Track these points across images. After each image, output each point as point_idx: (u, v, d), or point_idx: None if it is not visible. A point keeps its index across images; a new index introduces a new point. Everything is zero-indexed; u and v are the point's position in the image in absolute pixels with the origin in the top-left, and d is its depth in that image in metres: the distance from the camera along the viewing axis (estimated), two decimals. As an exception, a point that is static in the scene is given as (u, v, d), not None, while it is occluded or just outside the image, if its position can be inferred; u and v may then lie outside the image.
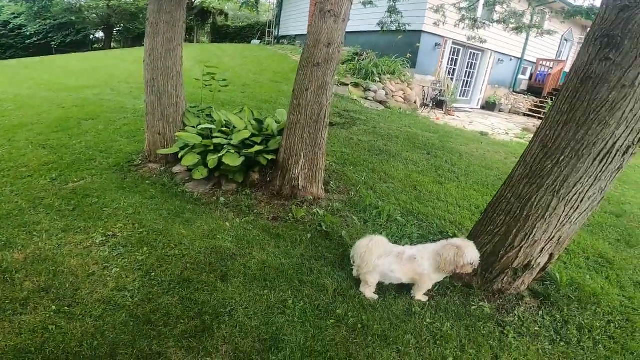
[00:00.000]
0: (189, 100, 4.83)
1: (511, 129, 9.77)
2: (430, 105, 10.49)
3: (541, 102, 13.41)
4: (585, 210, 2.35)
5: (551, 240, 2.45)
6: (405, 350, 2.10)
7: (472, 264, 2.37)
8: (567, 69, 12.98)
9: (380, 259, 2.39)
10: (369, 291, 2.48)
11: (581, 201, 2.29)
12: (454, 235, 3.29)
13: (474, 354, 2.14)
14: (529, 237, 2.44)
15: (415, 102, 10.45)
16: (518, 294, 2.68)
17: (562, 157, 2.23)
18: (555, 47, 15.21)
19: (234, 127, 3.86)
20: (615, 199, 5.03)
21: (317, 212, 3.34)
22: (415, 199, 4.03)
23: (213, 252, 2.74)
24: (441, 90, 11.19)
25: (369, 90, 9.38)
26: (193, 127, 3.90)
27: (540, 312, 2.56)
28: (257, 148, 3.42)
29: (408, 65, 10.93)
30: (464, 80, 13.30)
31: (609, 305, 2.72)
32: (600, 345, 2.34)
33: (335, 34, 3.21)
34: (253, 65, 11.36)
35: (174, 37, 3.73)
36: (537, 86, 14.24)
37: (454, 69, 12.67)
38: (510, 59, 13.82)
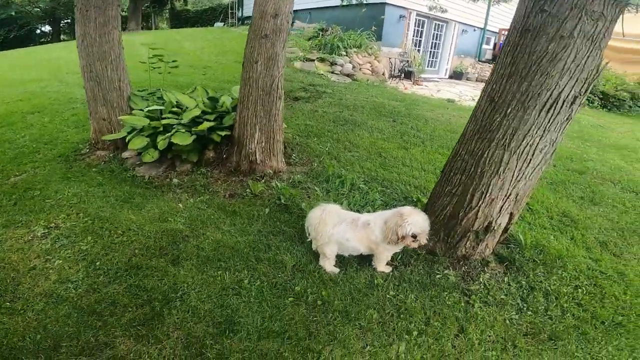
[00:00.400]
0: (143, 85, 4.57)
1: (477, 96, 9.79)
2: (399, 76, 10.43)
3: (506, 68, 13.56)
4: (538, 164, 2.32)
5: (508, 197, 2.40)
6: (368, 325, 2.02)
7: (414, 237, 2.18)
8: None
9: (334, 228, 2.29)
10: (328, 264, 2.39)
11: (533, 154, 2.26)
12: (418, 200, 3.24)
13: (439, 327, 2.05)
14: (486, 195, 2.39)
15: (383, 74, 10.36)
16: (483, 260, 2.61)
17: (509, 110, 2.19)
18: (517, 15, 15.33)
19: (187, 108, 3.66)
20: (577, 157, 5.09)
21: (277, 185, 3.22)
22: (380, 165, 3.98)
23: (164, 236, 2.60)
24: (408, 61, 11.12)
25: (336, 64, 9.21)
26: (140, 110, 3.67)
27: (506, 279, 2.47)
28: (207, 124, 3.24)
29: (374, 38, 10.77)
30: (430, 51, 13.27)
31: (576, 269, 2.63)
32: (568, 314, 2.24)
33: (282, 4, 3.06)
34: (215, 48, 10.90)
35: (107, 21, 3.52)
36: (502, 54, 14.39)
37: (420, 41, 12.60)
38: (474, 29, 13.88)
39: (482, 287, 2.38)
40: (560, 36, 1.98)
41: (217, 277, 2.26)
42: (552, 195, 3.78)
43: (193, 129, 3.26)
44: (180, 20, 22.06)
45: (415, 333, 2.00)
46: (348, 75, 9.11)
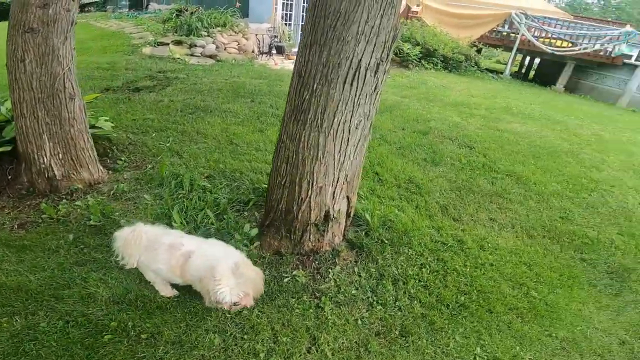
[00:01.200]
0: None
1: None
2: (269, 52, 10.06)
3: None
4: (359, 142, 2.18)
5: (337, 182, 2.24)
6: (210, 353, 1.75)
7: (234, 305, 1.73)
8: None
9: (145, 254, 1.91)
10: (160, 286, 2.01)
11: (349, 132, 2.09)
12: (264, 191, 2.94)
13: (289, 343, 1.84)
14: (313, 184, 2.19)
15: (253, 52, 9.86)
16: (334, 250, 2.43)
17: (316, 86, 1.98)
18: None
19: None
20: (423, 117, 5.40)
21: (90, 202, 2.63)
22: (230, 154, 3.63)
23: None
24: (277, 36, 10.79)
25: (196, 46, 8.37)
26: None
27: (356, 269, 2.32)
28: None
29: (239, 15, 10.11)
30: (302, 25, 13.13)
31: (420, 243, 2.59)
32: (416, 301, 2.16)
33: None
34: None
35: None
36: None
37: (290, 14, 12.30)
38: None
39: (333, 284, 2.21)
40: None
41: (3, 325, 1.78)
42: (400, 161, 3.86)
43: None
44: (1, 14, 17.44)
45: (262, 355, 1.78)
46: (211, 57, 8.38)
